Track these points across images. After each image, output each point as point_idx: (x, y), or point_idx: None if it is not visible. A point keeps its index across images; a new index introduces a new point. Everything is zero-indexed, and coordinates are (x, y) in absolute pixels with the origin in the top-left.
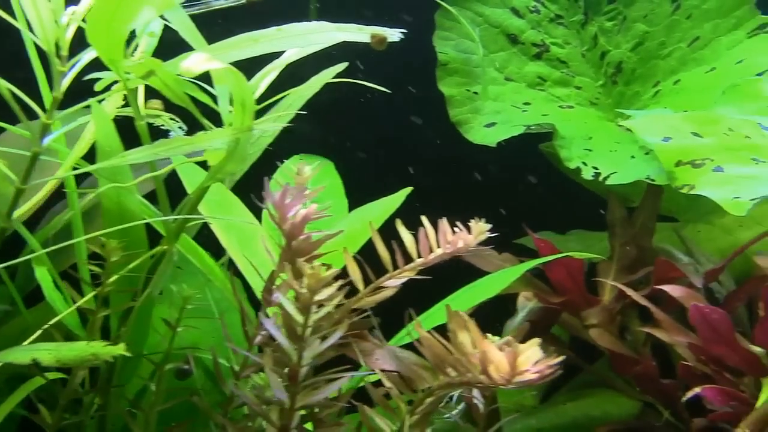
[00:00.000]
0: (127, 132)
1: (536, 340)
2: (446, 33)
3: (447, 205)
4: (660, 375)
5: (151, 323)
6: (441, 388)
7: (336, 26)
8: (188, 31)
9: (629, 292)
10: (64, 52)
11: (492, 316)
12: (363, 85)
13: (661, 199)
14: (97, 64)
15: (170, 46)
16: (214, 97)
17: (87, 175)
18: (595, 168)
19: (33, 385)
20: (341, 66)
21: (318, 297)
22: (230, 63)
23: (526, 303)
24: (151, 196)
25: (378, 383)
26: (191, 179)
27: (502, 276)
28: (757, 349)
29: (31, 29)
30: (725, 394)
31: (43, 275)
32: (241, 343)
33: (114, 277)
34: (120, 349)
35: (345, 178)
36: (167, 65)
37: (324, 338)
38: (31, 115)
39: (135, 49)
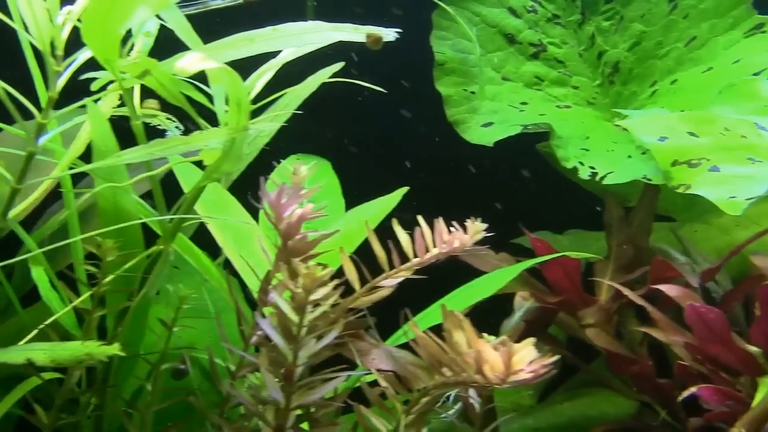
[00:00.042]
0: (124, 132)
1: (531, 340)
2: (443, 33)
3: (445, 205)
4: (657, 374)
5: (147, 323)
6: (436, 387)
7: (332, 26)
8: (184, 30)
9: (626, 291)
10: (60, 52)
11: (489, 316)
12: (360, 84)
13: (658, 198)
14: (93, 64)
15: (170, 45)
16: (210, 97)
17: (84, 175)
18: (592, 167)
19: (29, 385)
20: (338, 65)
21: (313, 297)
22: (227, 63)
23: (523, 303)
24: (148, 196)
25: (375, 383)
26: (188, 179)
27: (499, 276)
28: (753, 349)
29: (26, 29)
30: (721, 393)
31: (40, 275)
32: (237, 343)
33: (110, 277)
34: (114, 349)
35: (343, 177)
36: (162, 65)
37: (320, 338)
38: (27, 115)
39: (131, 49)
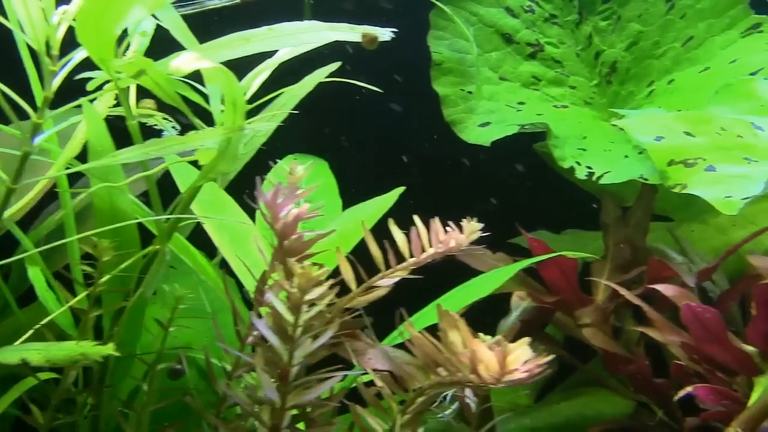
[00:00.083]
0: (121, 132)
1: (526, 340)
2: (441, 32)
3: (442, 205)
4: (654, 374)
5: (144, 323)
6: (432, 387)
7: (328, 26)
8: (179, 30)
9: (622, 291)
10: (55, 51)
11: (486, 316)
12: (357, 84)
13: (655, 198)
14: (89, 63)
15: (167, 45)
16: (206, 97)
17: (82, 175)
18: (589, 167)
19: (26, 385)
20: (335, 65)
21: (308, 296)
22: (223, 62)
23: (520, 302)
24: (145, 197)
25: (371, 383)
26: (184, 179)
27: (496, 275)
28: (749, 348)
29: (22, 29)
30: (717, 393)
31: (36, 275)
32: (234, 343)
33: (106, 277)
34: (109, 349)
35: (341, 177)
36: (158, 64)
37: (315, 338)
38: (24, 116)
39: (127, 49)
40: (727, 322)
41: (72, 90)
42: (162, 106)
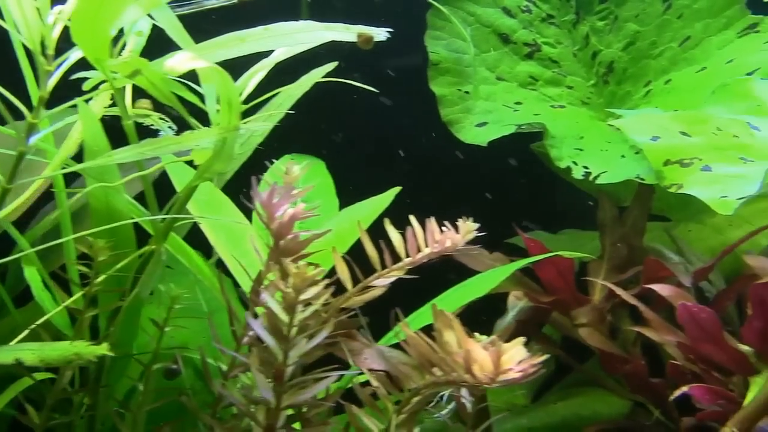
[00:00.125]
0: (118, 132)
1: (520, 339)
2: (438, 32)
3: (439, 205)
4: (650, 374)
5: (140, 323)
6: (427, 387)
7: (323, 25)
8: (175, 30)
9: (619, 291)
10: (51, 51)
11: (483, 315)
12: (355, 84)
13: (652, 198)
14: (86, 63)
15: (165, 45)
16: (203, 97)
17: (78, 175)
18: (586, 167)
19: (22, 385)
20: (331, 65)
21: (303, 296)
22: (220, 62)
23: (517, 302)
24: (142, 197)
25: (367, 383)
26: (180, 178)
27: (492, 275)
28: (744, 348)
29: (17, 28)
30: (713, 392)
31: (33, 275)
32: (230, 342)
33: (102, 277)
34: (103, 349)
35: (339, 177)
36: (153, 64)
37: (310, 338)
38: (19, 115)
39: (123, 48)
40: (723, 322)
41: (68, 90)
42: (159, 107)
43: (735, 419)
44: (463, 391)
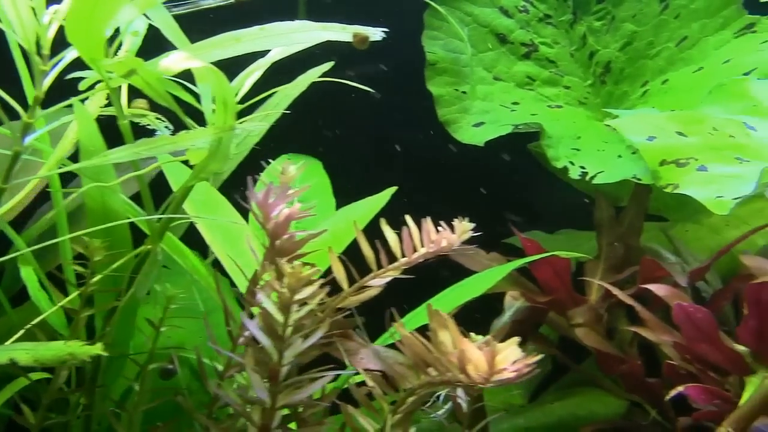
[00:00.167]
0: (114, 131)
1: (515, 339)
2: (435, 32)
3: (438, 205)
4: (647, 374)
5: (137, 323)
6: (422, 387)
7: (319, 25)
8: (170, 29)
9: (615, 291)
10: (46, 51)
11: (480, 315)
12: (352, 84)
13: (648, 198)
14: (82, 63)
15: (162, 45)
16: (198, 97)
17: (76, 175)
18: (582, 167)
19: (18, 385)
20: (328, 65)
21: (298, 296)
22: (216, 62)
23: (513, 302)
24: (139, 197)
25: (363, 383)
26: (177, 178)
27: (489, 275)
28: (740, 348)
29: (13, 28)
30: (709, 392)
31: (29, 275)
32: (226, 343)
33: (98, 277)
34: (96, 349)
35: (337, 177)
36: (148, 64)
37: (306, 337)
38: (15, 115)
39: (119, 48)
40: (720, 321)
41: (65, 89)
42: (156, 106)
43: (731, 419)
44: (459, 391)
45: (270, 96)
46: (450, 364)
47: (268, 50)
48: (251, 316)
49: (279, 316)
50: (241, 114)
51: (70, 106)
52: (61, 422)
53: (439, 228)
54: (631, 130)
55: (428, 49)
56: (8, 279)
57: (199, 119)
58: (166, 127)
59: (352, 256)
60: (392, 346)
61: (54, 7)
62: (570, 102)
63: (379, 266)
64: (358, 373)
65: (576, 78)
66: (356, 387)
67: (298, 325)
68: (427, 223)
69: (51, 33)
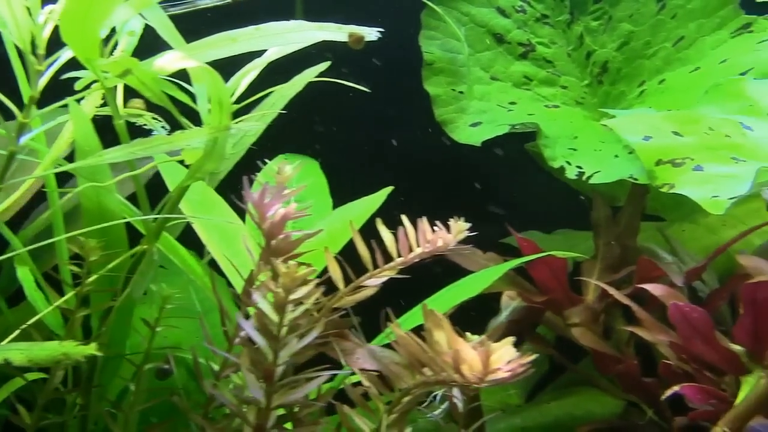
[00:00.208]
0: (110, 131)
1: (510, 339)
2: (432, 32)
3: (437, 205)
4: (644, 374)
5: (133, 323)
6: (417, 387)
7: (315, 25)
8: (166, 29)
9: (612, 291)
10: (41, 51)
11: (477, 315)
12: (349, 84)
13: (645, 198)
14: (78, 63)
15: (161, 45)
16: (194, 97)
17: (71, 175)
18: (579, 167)
19: (14, 385)
20: (325, 64)
21: (293, 296)
22: (211, 62)
23: (510, 302)
24: (135, 197)
25: (359, 383)
26: (173, 178)
27: (485, 275)
28: (736, 348)
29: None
30: (705, 392)
31: (25, 275)
32: (222, 343)
33: (93, 277)
34: (91, 349)
35: (335, 177)
36: (143, 64)
37: (301, 337)
38: (10, 115)
39: (115, 48)
40: (716, 321)
41: (61, 89)
42: (152, 106)
43: (726, 419)
44: (456, 391)
45: (266, 96)
46: (445, 364)
47: (264, 50)
48: (247, 316)
49: (274, 316)
50: (238, 114)
51: (65, 105)
52: (57, 422)
53: (436, 228)
54: (627, 130)
55: (425, 48)
56: (4, 279)
57: (196, 119)
58: (163, 127)
59: (348, 255)
60: (388, 346)
61: (49, 7)
62: (567, 102)
63: (375, 266)
64: (353, 373)
65: (573, 78)
66: (352, 387)
67: (293, 325)
68: (423, 222)
69: (46, 33)
